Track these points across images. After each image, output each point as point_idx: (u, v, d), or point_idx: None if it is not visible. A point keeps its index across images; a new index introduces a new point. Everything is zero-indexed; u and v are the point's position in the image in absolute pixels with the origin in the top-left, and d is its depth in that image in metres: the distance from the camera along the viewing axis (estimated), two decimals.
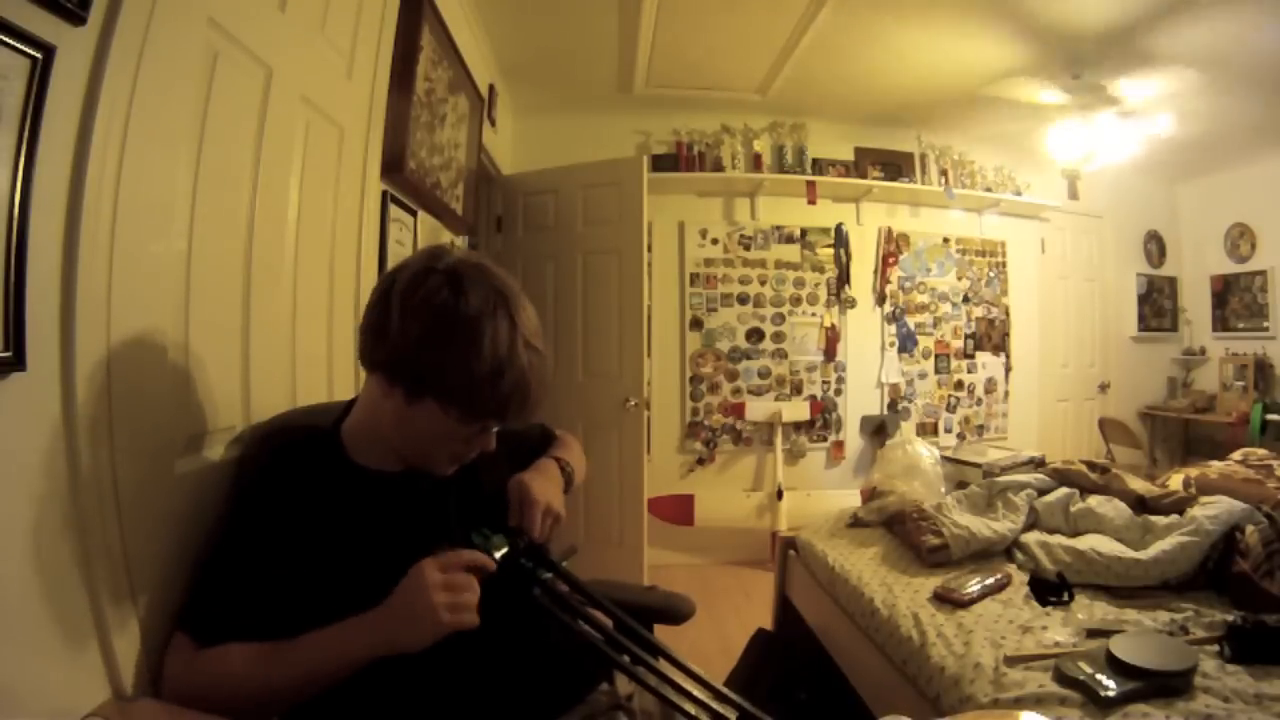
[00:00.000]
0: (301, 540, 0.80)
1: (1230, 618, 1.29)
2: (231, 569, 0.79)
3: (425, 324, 0.75)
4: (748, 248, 3.80)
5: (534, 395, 0.80)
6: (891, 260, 3.94)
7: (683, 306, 3.74)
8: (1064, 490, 2.03)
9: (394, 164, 1.67)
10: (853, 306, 3.90)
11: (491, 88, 3.00)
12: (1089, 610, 1.47)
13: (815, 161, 3.84)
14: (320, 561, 0.79)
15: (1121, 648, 1.17)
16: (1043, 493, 2.05)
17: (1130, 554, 1.62)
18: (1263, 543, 1.55)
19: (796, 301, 3.84)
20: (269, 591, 0.77)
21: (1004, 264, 4.21)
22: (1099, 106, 3.03)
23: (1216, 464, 2.47)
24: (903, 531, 1.94)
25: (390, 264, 1.71)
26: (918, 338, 4.02)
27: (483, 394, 0.76)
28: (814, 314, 3.86)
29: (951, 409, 4.08)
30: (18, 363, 0.68)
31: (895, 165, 3.95)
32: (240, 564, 0.79)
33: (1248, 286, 4.39)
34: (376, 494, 0.86)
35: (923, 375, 4.03)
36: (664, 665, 0.70)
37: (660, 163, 3.60)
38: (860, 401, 3.92)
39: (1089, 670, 1.14)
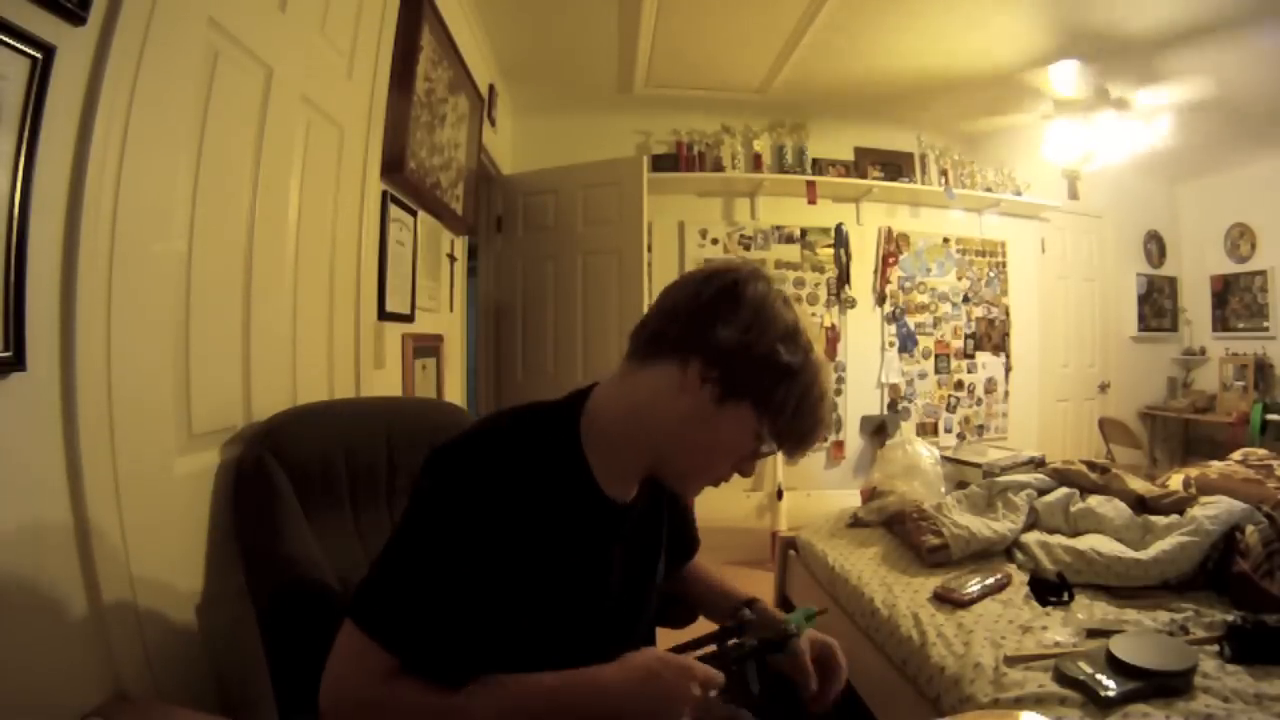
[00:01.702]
0: (523, 562, 0.69)
1: (1230, 618, 1.29)
2: (464, 602, 0.66)
3: (778, 330, 0.72)
4: (748, 248, 3.80)
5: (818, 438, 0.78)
6: (891, 260, 3.94)
7: None
8: (1064, 490, 2.03)
9: (394, 164, 1.67)
10: (853, 306, 3.90)
11: (491, 88, 3.00)
12: (1089, 610, 1.47)
13: (815, 161, 3.84)
14: (533, 586, 0.70)
15: (1121, 648, 1.17)
16: (1043, 493, 2.05)
17: (1130, 554, 1.62)
18: (1263, 543, 1.55)
19: (796, 301, 3.81)
20: (484, 621, 0.67)
21: (1004, 264, 4.21)
22: (1100, 107, 3.03)
23: (1216, 464, 2.47)
24: (903, 531, 1.94)
25: (390, 264, 1.71)
26: (918, 338, 4.02)
27: (805, 419, 0.73)
28: (814, 314, 3.85)
29: (951, 409, 4.08)
30: (18, 363, 0.68)
31: (895, 165, 3.95)
32: (465, 590, 0.66)
33: (1248, 286, 4.39)
34: (610, 523, 0.78)
35: (923, 375, 4.03)
36: None
37: (660, 163, 3.60)
38: (860, 401, 3.92)
39: (1089, 670, 1.14)
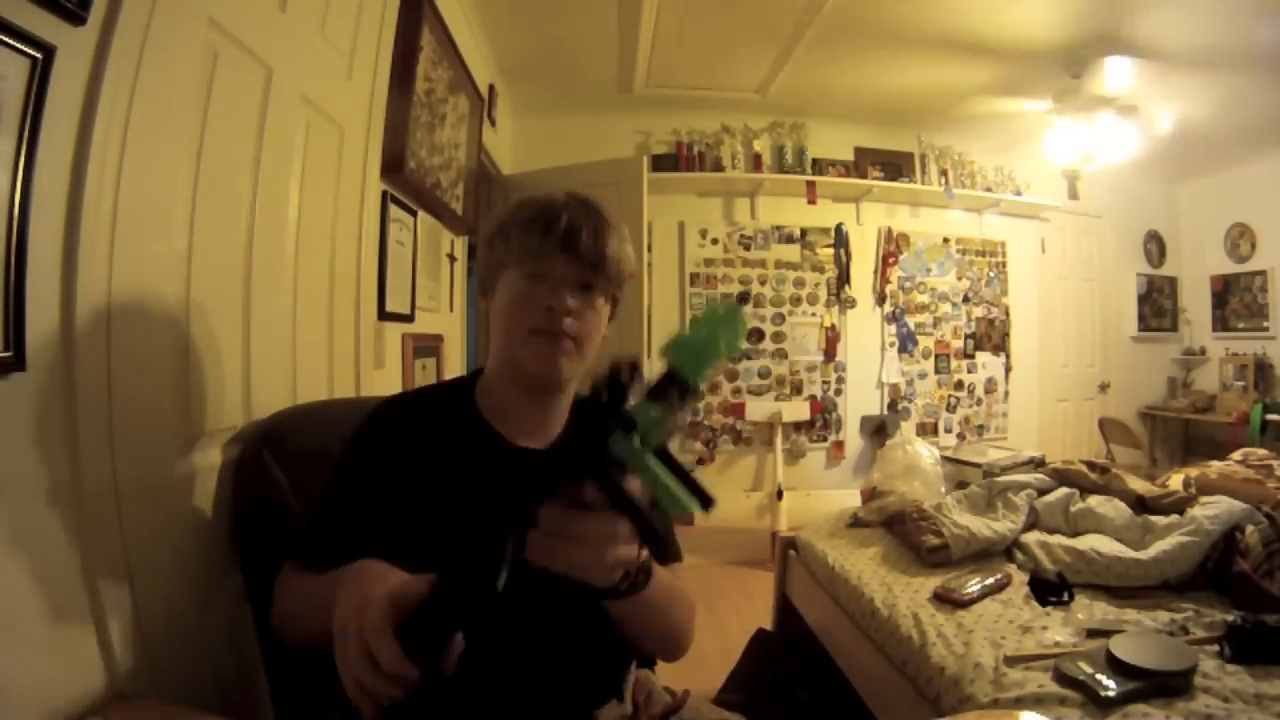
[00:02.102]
0: (412, 483, 0.78)
1: (1230, 618, 1.29)
2: (341, 503, 0.79)
3: (496, 216, 0.87)
4: (748, 248, 3.80)
5: (588, 228, 0.80)
6: (891, 260, 3.94)
7: (683, 306, 3.74)
8: (1064, 490, 2.03)
9: (394, 164, 1.67)
10: (853, 306, 3.90)
11: (491, 88, 3.00)
12: (1089, 610, 1.47)
13: (815, 161, 3.85)
14: (418, 509, 0.77)
15: (1121, 648, 1.17)
16: (1043, 493, 2.05)
17: (1130, 554, 1.62)
18: (1263, 543, 1.55)
19: (796, 301, 3.84)
20: (371, 528, 0.75)
21: (1004, 264, 4.21)
22: (1099, 107, 3.03)
23: (1216, 464, 2.47)
24: (903, 531, 1.94)
25: (390, 264, 1.71)
26: (918, 338, 4.02)
27: (536, 230, 0.79)
28: (814, 314, 3.86)
29: (951, 409, 4.08)
30: (18, 363, 0.68)
31: (895, 165, 3.96)
32: (350, 498, 0.78)
33: (1248, 286, 4.39)
34: (489, 454, 0.82)
35: (923, 375, 4.03)
36: None
37: (660, 163, 3.60)
38: (860, 401, 3.92)
39: (1089, 670, 1.14)
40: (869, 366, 3.94)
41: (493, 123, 3.03)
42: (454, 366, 2.47)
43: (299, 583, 0.76)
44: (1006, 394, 4.20)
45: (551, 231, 0.79)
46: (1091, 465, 2.17)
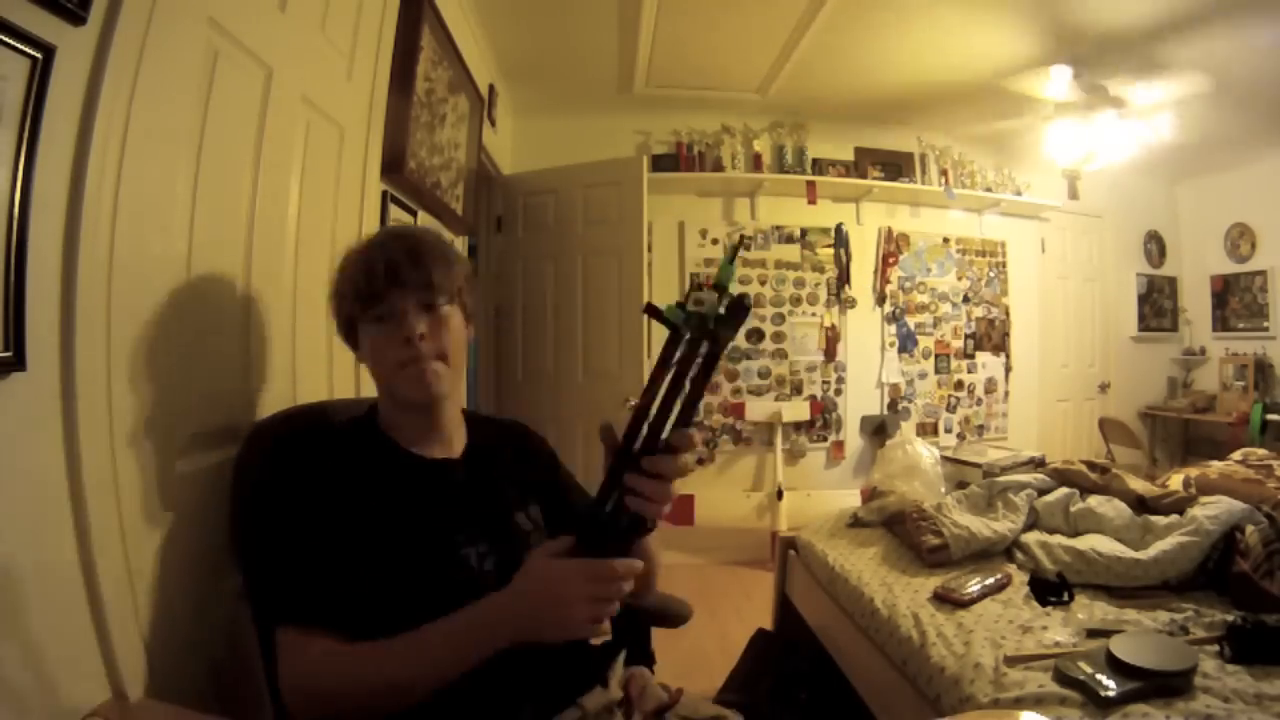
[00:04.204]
0: (347, 516, 0.80)
1: (1230, 618, 1.29)
2: (299, 547, 0.78)
3: (331, 280, 0.93)
4: (748, 248, 3.80)
5: (406, 259, 0.86)
6: (891, 260, 3.94)
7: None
8: (1064, 490, 2.03)
9: (394, 164, 1.67)
10: (853, 306, 3.90)
11: (491, 88, 3.00)
12: (1089, 610, 1.47)
13: (815, 161, 3.84)
14: (368, 538, 0.79)
15: (1121, 648, 1.17)
16: (1043, 493, 2.05)
17: (1130, 554, 1.62)
18: (1263, 543, 1.55)
19: (796, 301, 3.84)
20: (337, 566, 0.77)
21: (1004, 264, 4.21)
22: (1100, 106, 3.03)
23: (1216, 464, 2.47)
24: (903, 531, 1.94)
25: None
26: (918, 338, 4.02)
27: (362, 280, 0.86)
28: (814, 314, 3.86)
29: (951, 409, 4.08)
30: (18, 363, 0.68)
31: (895, 165, 3.95)
32: (305, 540, 0.78)
33: (1248, 286, 4.38)
34: (416, 472, 0.89)
35: (923, 375, 4.03)
36: None
37: (660, 163, 3.60)
38: (860, 401, 3.92)
39: (1089, 670, 1.14)
40: (869, 366, 3.94)
41: (493, 123, 3.03)
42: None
43: (350, 665, 0.72)
44: (1006, 394, 4.20)
45: (374, 276, 0.85)
46: (1091, 465, 2.17)
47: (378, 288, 0.85)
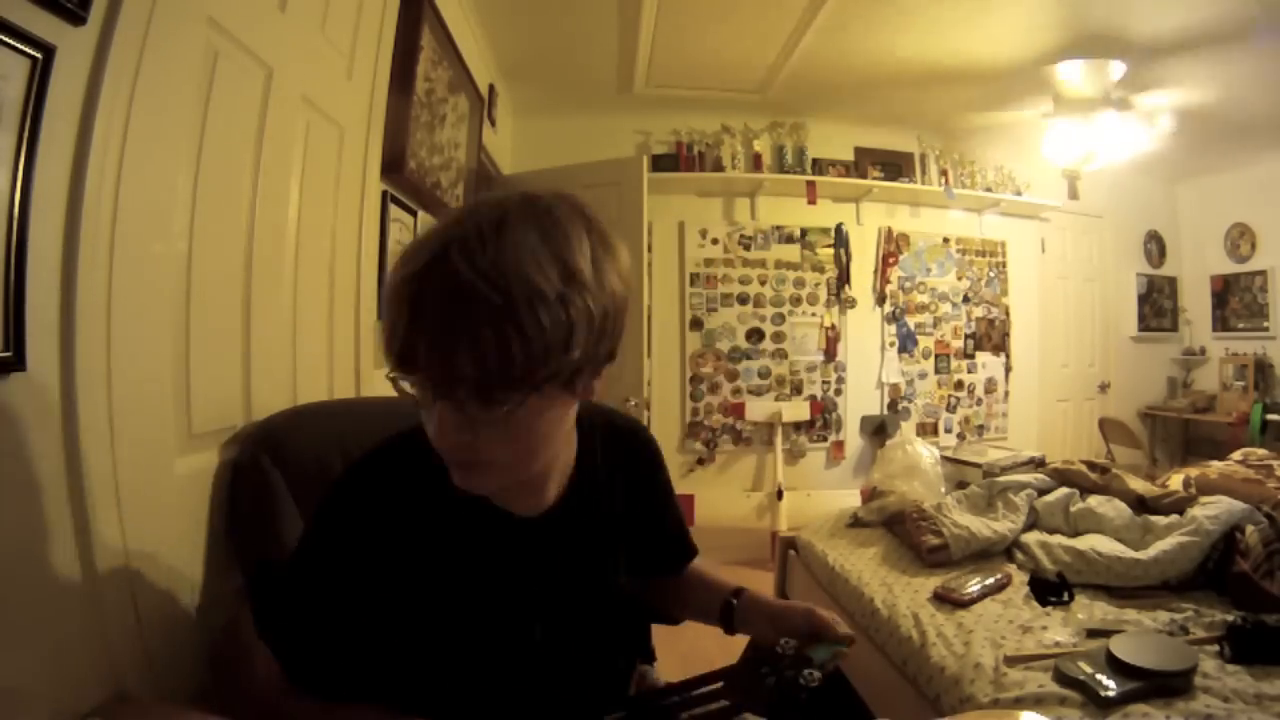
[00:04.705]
0: (407, 568, 0.68)
1: (1230, 618, 1.29)
2: (329, 606, 0.68)
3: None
4: (748, 248, 3.80)
5: (440, 340, 0.54)
6: (891, 260, 3.94)
7: (683, 306, 3.74)
8: (1064, 490, 2.03)
9: (394, 164, 1.67)
10: (853, 306, 3.90)
11: (491, 88, 3.00)
12: (1089, 610, 1.47)
13: (815, 161, 3.84)
14: (424, 595, 0.69)
15: (1121, 648, 1.17)
16: (1043, 493, 2.05)
17: (1130, 554, 1.62)
18: (1263, 543, 1.55)
19: (796, 301, 3.84)
20: (375, 632, 0.68)
21: (1004, 264, 4.21)
22: (1101, 107, 3.03)
23: (1216, 464, 2.47)
24: (903, 531, 1.94)
25: (390, 264, 1.71)
26: (918, 338, 4.02)
27: (386, 322, 0.58)
28: (814, 314, 3.86)
29: (951, 409, 4.08)
30: (18, 363, 0.68)
31: (895, 165, 3.95)
32: (338, 598, 0.67)
33: (1248, 286, 4.39)
34: (492, 534, 0.72)
35: (923, 375, 4.03)
36: None
37: (660, 163, 3.60)
38: (860, 401, 3.92)
39: (1089, 670, 1.14)
40: (869, 366, 3.94)
41: (493, 123, 3.02)
42: None
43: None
44: (1006, 394, 4.20)
45: (394, 336, 0.56)
46: (1091, 465, 2.17)
47: (396, 352, 0.58)
